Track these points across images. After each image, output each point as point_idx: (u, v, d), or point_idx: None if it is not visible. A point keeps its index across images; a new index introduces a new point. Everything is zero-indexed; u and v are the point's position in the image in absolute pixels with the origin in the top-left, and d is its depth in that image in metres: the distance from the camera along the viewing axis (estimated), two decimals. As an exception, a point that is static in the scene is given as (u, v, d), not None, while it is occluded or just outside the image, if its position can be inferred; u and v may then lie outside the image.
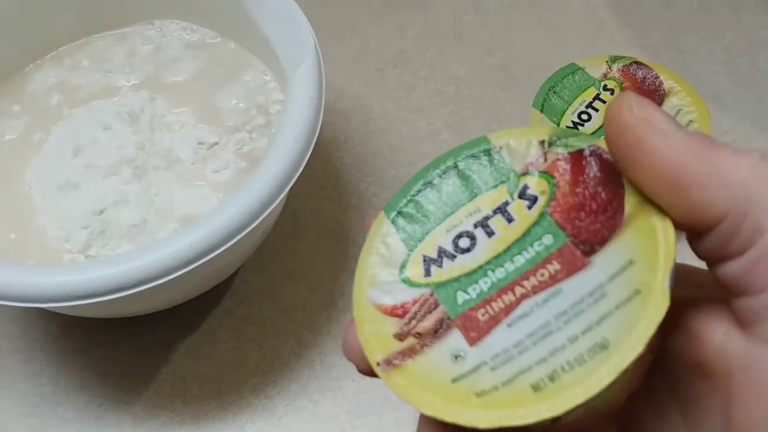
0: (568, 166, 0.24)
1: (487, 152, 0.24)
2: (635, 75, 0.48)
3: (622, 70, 0.49)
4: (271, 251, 0.49)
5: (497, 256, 0.23)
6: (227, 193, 0.43)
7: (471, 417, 0.21)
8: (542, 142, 0.24)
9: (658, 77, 0.48)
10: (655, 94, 0.48)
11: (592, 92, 0.48)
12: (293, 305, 0.47)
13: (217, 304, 0.48)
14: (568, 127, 0.47)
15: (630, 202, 0.23)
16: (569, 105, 0.48)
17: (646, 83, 0.48)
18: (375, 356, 0.23)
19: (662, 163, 0.21)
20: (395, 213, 0.25)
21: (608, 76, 0.49)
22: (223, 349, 0.46)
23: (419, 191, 0.25)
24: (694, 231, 0.22)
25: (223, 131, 0.45)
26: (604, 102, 0.48)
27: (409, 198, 0.25)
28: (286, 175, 0.38)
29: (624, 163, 0.22)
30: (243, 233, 0.37)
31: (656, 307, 0.21)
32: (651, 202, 0.22)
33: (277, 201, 0.38)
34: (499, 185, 0.24)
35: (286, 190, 0.38)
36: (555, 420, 0.21)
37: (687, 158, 0.21)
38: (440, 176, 0.25)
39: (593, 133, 0.47)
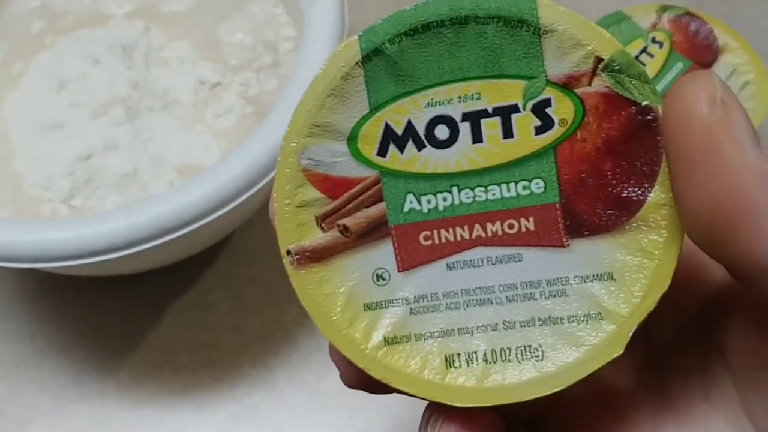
0: (608, 109, 0.18)
1: (531, 28, 0.18)
2: (687, 27, 0.43)
3: (673, 21, 0.44)
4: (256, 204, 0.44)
5: (471, 173, 0.18)
6: (230, 141, 0.38)
7: (364, 361, 0.19)
8: (599, 59, 0.18)
9: (712, 31, 0.43)
10: (708, 51, 0.43)
11: (639, 44, 0.43)
12: (298, 267, 0.43)
13: (212, 263, 0.43)
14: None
15: (653, 199, 0.18)
16: (614, 57, 0.43)
17: (699, 37, 0.43)
18: (287, 241, 0.19)
19: (728, 184, 0.16)
20: (372, 50, 0.18)
21: (657, 27, 0.44)
22: (218, 313, 0.42)
23: (419, 33, 0.18)
24: (728, 268, 0.17)
25: (227, 70, 0.40)
26: (651, 56, 0.43)
27: (400, 36, 0.18)
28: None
29: (676, 162, 0.17)
30: (252, 191, 0.33)
31: (606, 351, 0.18)
32: (676, 211, 0.18)
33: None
34: (518, 78, 0.18)
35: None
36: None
37: (761, 189, 0.16)
38: (455, 27, 0.18)
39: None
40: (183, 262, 0.41)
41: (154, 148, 0.38)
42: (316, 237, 0.19)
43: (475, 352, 0.19)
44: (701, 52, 0.43)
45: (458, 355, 0.19)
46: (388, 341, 0.19)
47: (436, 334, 0.19)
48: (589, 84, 0.18)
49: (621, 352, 0.18)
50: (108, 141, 0.37)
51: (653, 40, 0.43)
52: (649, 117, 0.18)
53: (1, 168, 0.38)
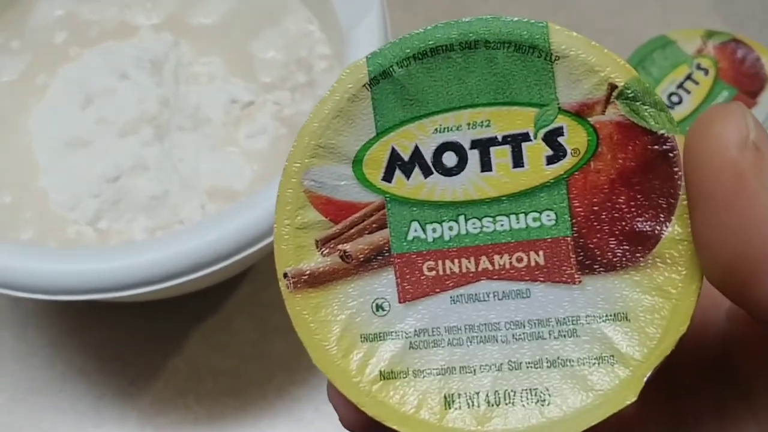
0: (623, 138, 0.17)
1: (543, 54, 0.17)
2: (734, 54, 0.42)
3: (719, 48, 0.42)
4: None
5: (479, 202, 0.18)
6: (263, 163, 0.37)
7: (358, 396, 0.17)
8: (612, 87, 0.17)
9: (759, 59, 0.42)
10: (755, 79, 0.41)
11: (683, 70, 0.42)
12: (326, 292, 0.41)
13: (237, 288, 0.42)
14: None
15: (670, 234, 0.17)
16: (658, 83, 0.41)
17: (745, 65, 0.42)
18: (285, 264, 0.18)
19: (755, 231, 0.15)
20: (380, 73, 0.18)
21: (702, 53, 0.42)
22: (244, 339, 0.40)
23: (428, 57, 0.18)
24: (748, 312, 0.16)
25: (259, 88, 0.39)
26: (697, 83, 0.41)
27: (408, 59, 0.18)
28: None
29: (699, 201, 0.16)
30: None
31: (618, 397, 0.17)
32: (695, 249, 0.16)
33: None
34: (529, 106, 0.17)
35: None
36: None
37: None
38: (465, 51, 0.17)
39: (682, 120, 0.41)
40: (207, 286, 0.39)
41: (184, 170, 0.36)
42: (316, 261, 0.18)
43: (477, 393, 0.17)
44: (748, 80, 0.41)
45: (459, 395, 0.17)
46: (385, 376, 0.18)
47: (435, 371, 0.18)
48: (603, 112, 0.17)
49: (635, 399, 0.17)
50: (137, 161, 0.35)
51: (698, 67, 0.42)
52: (666, 147, 0.17)
53: (24, 184, 0.36)
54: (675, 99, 0.41)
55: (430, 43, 0.17)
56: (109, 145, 0.36)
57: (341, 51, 0.38)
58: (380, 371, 0.18)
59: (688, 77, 0.42)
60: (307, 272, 0.18)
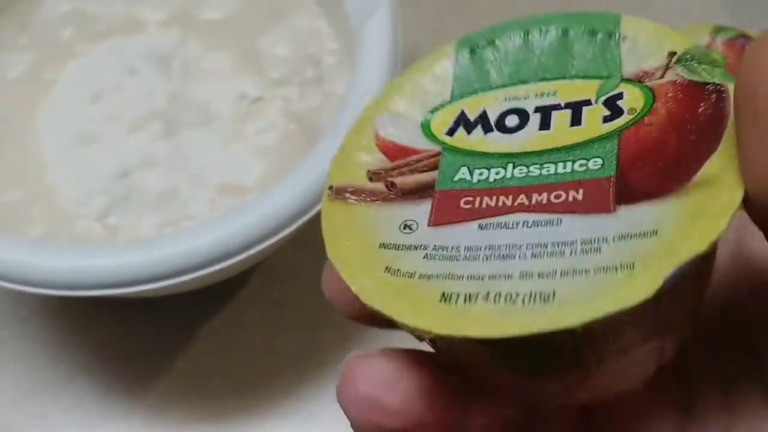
0: (678, 94, 0.17)
1: (609, 36, 0.19)
2: (742, 50, 0.42)
3: (727, 44, 0.42)
4: (312, 226, 0.42)
5: (531, 153, 0.18)
6: (272, 159, 0.37)
7: (360, 281, 0.17)
8: (672, 54, 0.18)
9: None
10: (765, 75, 0.41)
11: (693, 67, 0.42)
12: (334, 290, 0.41)
13: (245, 284, 0.41)
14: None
15: (711, 168, 0.16)
16: (668, 80, 0.41)
17: (755, 61, 0.42)
18: (334, 179, 0.19)
19: None
20: (467, 48, 0.20)
21: (711, 49, 0.42)
22: (252, 335, 0.40)
23: (508, 37, 0.19)
24: None
25: (268, 84, 0.38)
26: (706, 79, 0.41)
27: (493, 40, 0.19)
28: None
29: (747, 116, 0.15)
30: (303, 219, 0.31)
31: (632, 295, 0.15)
32: (740, 168, 0.16)
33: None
34: (594, 78, 0.19)
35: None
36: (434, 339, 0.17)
37: None
38: (540, 34, 0.19)
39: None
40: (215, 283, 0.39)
41: (193, 166, 0.36)
42: (362, 184, 0.19)
43: (477, 293, 0.16)
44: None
45: (457, 294, 0.16)
46: (391, 272, 0.17)
47: (443, 276, 0.17)
48: (662, 76, 0.18)
49: (650, 295, 0.15)
50: (146, 157, 0.35)
51: (708, 63, 0.42)
52: (717, 91, 0.17)
53: (33, 180, 0.36)
54: (685, 96, 0.41)
55: (513, 29, 0.19)
56: (117, 141, 0.36)
57: (350, 47, 0.38)
58: (386, 267, 0.17)
59: (698, 74, 0.41)
60: (351, 188, 0.18)
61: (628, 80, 0.18)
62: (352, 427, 0.18)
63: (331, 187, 0.18)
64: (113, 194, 0.35)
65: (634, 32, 0.18)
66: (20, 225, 0.35)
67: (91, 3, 0.41)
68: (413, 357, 0.18)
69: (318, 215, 0.31)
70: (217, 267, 0.31)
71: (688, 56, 0.18)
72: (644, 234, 0.16)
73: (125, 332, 0.40)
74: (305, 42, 0.40)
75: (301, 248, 0.42)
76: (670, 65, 0.18)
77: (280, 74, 0.39)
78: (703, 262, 0.16)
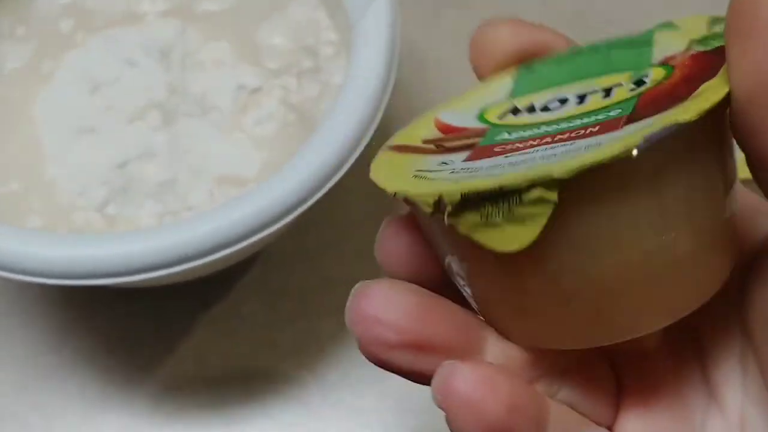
0: (692, 62, 0.20)
1: (647, 44, 0.21)
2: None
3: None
4: (311, 215, 0.42)
5: (563, 118, 0.20)
6: (271, 150, 0.37)
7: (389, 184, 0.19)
8: (693, 40, 0.20)
9: (766, 43, 0.42)
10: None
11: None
12: (335, 279, 0.41)
13: (246, 272, 0.42)
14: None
15: (706, 84, 0.18)
16: (664, 69, 0.41)
17: (752, 50, 0.42)
18: (393, 142, 0.22)
19: None
20: (526, 67, 0.22)
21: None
22: (253, 325, 0.41)
23: (560, 58, 0.22)
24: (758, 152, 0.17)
25: (266, 74, 0.39)
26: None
27: (548, 60, 0.22)
28: (354, 142, 0.32)
29: (736, 30, 0.17)
30: (306, 205, 0.32)
31: (607, 152, 0.17)
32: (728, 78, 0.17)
33: (344, 171, 0.32)
34: (629, 71, 0.21)
35: (352, 160, 0.32)
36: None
37: None
38: (588, 53, 0.22)
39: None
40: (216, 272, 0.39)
41: (192, 157, 0.36)
42: (415, 143, 0.21)
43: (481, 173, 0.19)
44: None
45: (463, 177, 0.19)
46: (419, 176, 0.19)
47: (462, 178, 0.18)
48: (683, 54, 0.20)
49: (624, 150, 0.16)
50: (145, 148, 0.35)
51: (705, 52, 0.42)
52: (723, 53, 0.18)
53: (31, 173, 0.36)
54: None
55: (568, 54, 0.22)
56: (116, 131, 0.36)
57: (348, 38, 0.38)
58: (415, 171, 0.20)
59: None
60: (404, 146, 0.21)
61: (656, 65, 0.20)
62: (360, 348, 0.20)
63: (390, 146, 0.21)
64: (112, 185, 0.35)
65: (665, 38, 0.21)
66: (19, 216, 0.35)
67: (91, -5, 0.41)
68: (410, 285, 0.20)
69: (315, 203, 0.32)
70: (218, 255, 0.31)
71: (704, 39, 0.20)
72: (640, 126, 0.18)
73: (128, 322, 0.41)
74: (303, 33, 0.40)
75: (300, 238, 0.42)
76: (691, 47, 0.20)
77: (278, 65, 0.39)
78: (698, 148, 0.18)
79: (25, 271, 0.31)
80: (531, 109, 0.21)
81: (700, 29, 0.21)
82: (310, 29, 0.40)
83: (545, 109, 0.21)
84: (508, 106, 0.22)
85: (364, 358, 0.41)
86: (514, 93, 0.22)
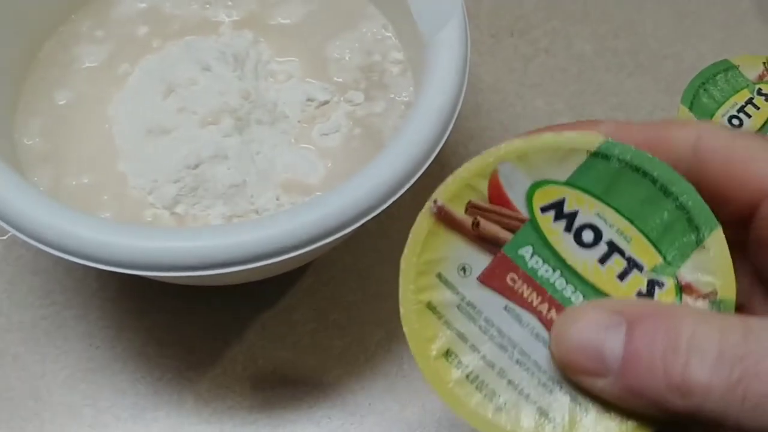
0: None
1: (698, 239, 0.22)
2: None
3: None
4: (363, 229, 0.43)
5: (578, 277, 0.23)
6: (336, 160, 0.38)
7: (405, 284, 0.23)
8: (714, 294, 0.23)
9: (819, 88, 0.43)
10: (815, 107, 0.43)
11: (744, 95, 0.43)
12: (383, 292, 0.42)
13: (298, 280, 0.43)
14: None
15: None
16: (720, 105, 0.42)
17: (805, 93, 0.43)
18: (441, 195, 0.23)
19: None
20: (604, 154, 0.23)
21: (764, 80, 0.43)
22: (303, 332, 0.41)
23: (637, 173, 0.23)
24: None
25: (334, 88, 0.40)
26: (757, 108, 0.42)
27: (627, 163, 0.23)
28: (420, 160, 0.33)
29: None
30: (373, 214, 0.32)
31: None
32: None
33: (408, 186, 0.33)
34: (660, 254, 0.23)
35: (417, 176, 0.33)
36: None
37: None
38: (660, 192, 0.23)
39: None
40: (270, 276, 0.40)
41: (261, 162, 0.37)
42: (458, 209, 0.23)
43: (468, 366, 0.23)
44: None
45: (457, 357, 0.23)
46: (429, 307, 0.23)
47: (457, 332, 0.23)
48: (696, 300, 0.22)
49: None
50: (217, 150, 0.37)
51: (759, 92, 0.43)
52: None
53: (103, 167, 0.37)
54: (735, 122, 0.42)
55: (648, 167, 0.22)
56: (189, 133, 0.37)
57: (414, 57, 0.40)
58: (429, 302, 0.23)
59: (749, 102, 0.43)
60: (446, 210, 0.23)
61: (677, 280, 0.22)
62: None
63: (435, 201, 0.23)
64: (183, 184, 0.36)
65: (714, 251, 0.22)
66: (90, 209, 0.36)
67: (167, 3, 0.42)
68: None
69: (372, 220, 0.33)
70: (283, 257, 0.32)
71: (722, 302, 0.22)
72: None
73: (181, 321, 0.41)
74: (372, 51, 0.41)
75: (352, 250, 0.43)
76: (707, 299, 0.22)
77: (345, 80, 0.40)
78: None
79: (99, 260, 0.31)
80: (569, 222, 0.23)
81: (729, 281, 0.22)
82: (377, 47, 0.41)
83: (578, 236, 0.23)
84: (558, 196, 0.23)
85: (410, 369, 0.43)
86: (573, 179, 0.23)
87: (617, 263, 0.22)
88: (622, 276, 0.22)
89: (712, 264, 0.22)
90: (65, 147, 0.38)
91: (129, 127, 0.38)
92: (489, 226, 0.23)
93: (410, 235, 0.23)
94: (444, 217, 0.23)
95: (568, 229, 0.23)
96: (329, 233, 0.32)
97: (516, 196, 0.23)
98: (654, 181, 0.22)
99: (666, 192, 0.22)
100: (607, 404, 0.21)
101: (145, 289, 0.42)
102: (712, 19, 0.51)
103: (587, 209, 0.23)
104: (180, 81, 0.39)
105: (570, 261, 0.23)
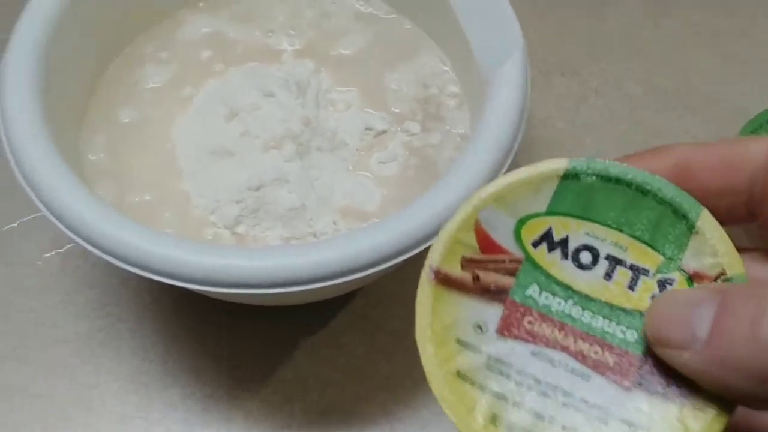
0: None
1: (688, 225, 0.23)
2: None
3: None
4: (416, 258, 0.44)
5: (591, 300, 0.22)
6: (392, 189, 0.39)
7: (430, 366, 0.22)
8: (722, 273, 0.22)
9: None
10: None
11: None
12: (431, 319, 0.43)
13: (347, 303, 0.43)
14: None
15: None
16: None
17: None
18: (434, 260, 0.23)
19: None
20: (573, 174, 0.23)
21: None
22: (351, 355, 0.42)
23: (611, 182, 0.23)
24: None
25: (391, 118, 0.41)
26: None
27: (599, 176, 0.23)
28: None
29: None
30: (420, 249, 0.33)
31: None
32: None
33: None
34: (660, 253, 0.23)
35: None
36: None
37: None
38: (638, 192, 0.23)
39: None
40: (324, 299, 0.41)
41: (320, 187, 0.38)
42: (454, 270, 0.23)
43: (515, 424, 0.22)
44: None
45: (502, 418, 0.21)
46: (460, 375, 0.22)
47: (495, 394, 0.22)
48: (708, 283, 0.22)
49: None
50: (279, 174, 0.38)
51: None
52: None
53: (167, 186, 0.38)
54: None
55: (619, 174, 0.23)
56: (252, 157, 0.38)
57: (471, 91, 0.41)
58: (457, 371, 0.22)
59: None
60: (444, 273, 0.23)
61: (683, 271, 0.22)
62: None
63: (431, 266, 0.23)
64: (245, 205, 0.37)
65: (706, 230, 0.22)
66: (153, 225, 0.37)
67: (230, 28, 0.44)
68: None
69: (423, 251, 0.33)
70: (339, 281, 0.33)
71: (731, 280, 0.22)
72: (632, 425, 0.21)
73: (233, 339, 0.42)
74: (429, 83, 0.42)
75: (399, 276, 0.44)
76: (717, 280, 0.22)
77: (401, 110, 0.41)
78: None
79: (168, 275, 0.32)
80: (563, 248, 0.23)
81: (734, 261, 0.22)
82: (434, 80, 0.42)
83: (576, 259, 0.23)
84: (544, 227, 0.23)
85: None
86: (553, 207, 0.23)
87: (622, 275, 0.22)
88: (631, 286, 0.22)
89: (711, 245, 0.22)
90: (128, 164, 0.39)
91: (192, 148, 0.39)
92: (489, 277, 0.23)
93: (417, 309, 0.23)
94: (443, 280, 0.23)
95: (564, 256, 0.23)
96: (387, 259, 0.33)
97: (505, 239, 0.23)
98: (629, 184, 0.23)
99: (643, 191, 0.23)
100: (665, 414, 0.21)
101: (198, 304, 0.43)
102: (758, 62, 0.52)
103: (576, 232, 0.23)
104: (243, 106, 0.40)
105: (577, 287, 0.22)
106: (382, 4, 0.45)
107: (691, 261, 0.22)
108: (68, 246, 0.44)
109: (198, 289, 0.33)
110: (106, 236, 0.32)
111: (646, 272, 0.22)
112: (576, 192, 0.23)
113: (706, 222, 0.22)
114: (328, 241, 0.33)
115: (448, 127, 0.41)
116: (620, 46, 0.52)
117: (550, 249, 0.23)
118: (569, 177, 0.23)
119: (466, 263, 0.23)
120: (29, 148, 0.34)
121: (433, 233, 0.33)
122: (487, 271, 0.23)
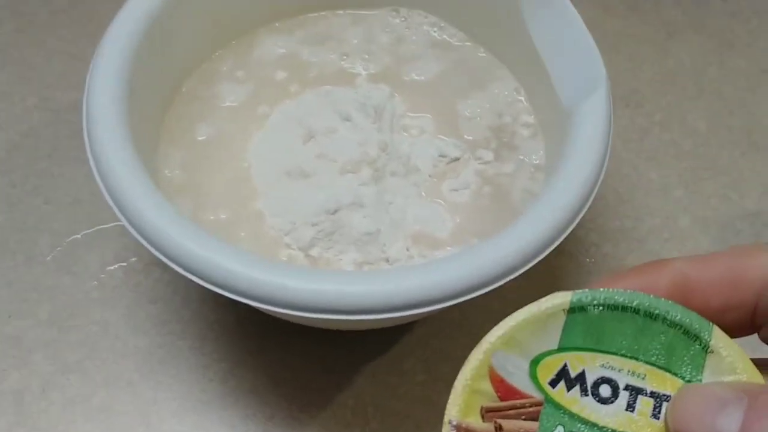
0: None
1: (702, 345, 0.22)
2: None
3: None
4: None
5: None
6: (464, 217, 0.39)
7: None
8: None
9: None
10: None
11: None
12: (494, 350, 0.42)
13: (409, 330, 0.43)
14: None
15: None
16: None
17: None
18: (453, 413, 0.23)
19: None
20: (579, 306, 0.23)
21: None
22: (412, 383, 0.42)
23: (618, 310, 0.23)
24: None
25: (464, 146, 0.41)
26: None
27: (604, 306, 0.23)
28: (556, 234, 0.33)
29: None
30: (514, 275, 0.33)
31: None
32: None
33: (542, 256, 0.33)
34: (679, 377, 0.22)
35: (559, 241, 0.34)
36: None
37: None
38: (647, 318, 0.22)
39: None
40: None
41: (394, 212, 0.38)
42: (476, 422, 0.22)
43: None
44: None
45: None
46: None
47: None
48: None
49: None
50: (355, 198, 0.37)
51: None
52: None
53: (242, 205, 0.38)
54: None
55: (625, 302, 0.22)
56: (328, 179, 0.38)
57: (548, 121, 0.40)
58: None
59: None
60: (466, 427, 0.22)
61: None
62: None
63: (450, 421, 0.23)
64: (321, 228, 0.37)
65: (721, 348, 0.22)
66: (227, 243, 0.37)
67: (305, 50, 0.44)
68: None
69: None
70: (410, 312, 0.32)
71: None
72: None
73: (294, 362, 0.42)
74: (502, 112, 0.42)
75: (464, 306, 0.43)
76: None
77: (474, 137, 0.41)
78: None
79: (243, 294, 0.32)
80: (582, 383, 0.22)
81: (756, 376, 0.22)
82: (508, 109, 0.42)
83: (596, 394, 0.22)
84: (559, 365, 0.22)
85: None
86: (564, 342, 0.23)
87: (645, 404, 0.22)
88: (655, 414, 0.22)
89: (728, 362, 0.22)
90: (204, 181, 0.39)
91: (267, 168, 0.39)
92: (512, 425, 0.22)
93: None
94: None
95: (584, 392, 0.22)
96: (463, 293, 0.33)
97: (521, 382, 0.22)
98: (636, 311, 0.22)
99: (652, 316, 0.22)
100: None
101: (261, 325, 0.43)
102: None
103: (591, 365, 0.22)
104: (319, 128, 0.40)
105: (603, 422, 0.22)
106: (456, 32, 0.44)
107: (710, 381, 0.22)
108: (132, 260, 0.44)
109: (278, 311, 0.32)
110: (213, 267, 0.32)
111: (667, 398, 0.22)
112: (585, 324, 0.22)
113: (719, 340, 0.22)
114: (402, 271, 0.32)
115: (521, 157, 0.41)
116: (685, 81, 0.52)
117: (569, 386, 0.22)
118: (575, 310, 0.22)
119: (487, 413, 0.22)
120: (118, 169, 0.33)
121: (504, 274, 0.33)
122: (508, 419, 0.22)
